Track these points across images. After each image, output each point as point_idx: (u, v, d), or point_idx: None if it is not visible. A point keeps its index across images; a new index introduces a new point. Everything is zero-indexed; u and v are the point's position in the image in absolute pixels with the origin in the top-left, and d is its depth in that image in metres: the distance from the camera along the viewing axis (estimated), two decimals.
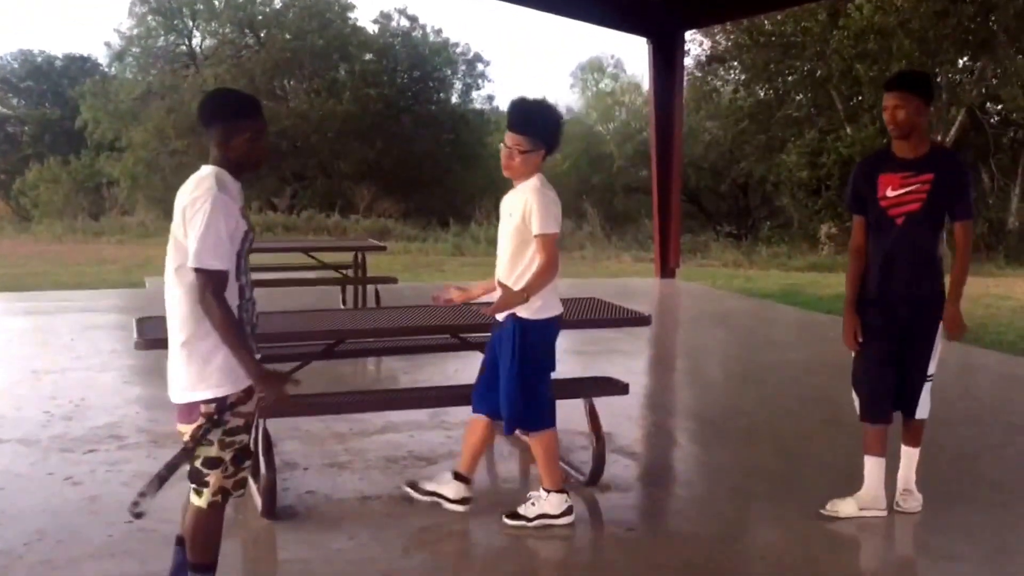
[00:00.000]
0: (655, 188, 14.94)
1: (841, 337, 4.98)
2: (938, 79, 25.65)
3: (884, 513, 4.90)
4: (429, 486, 4.94)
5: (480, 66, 39.50)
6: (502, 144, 4.61)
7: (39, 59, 44.06)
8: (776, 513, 5.16)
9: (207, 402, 3.42)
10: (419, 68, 37.39)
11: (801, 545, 4.72)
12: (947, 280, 4.78)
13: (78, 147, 36.31)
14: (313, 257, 11.76)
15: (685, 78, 19.71)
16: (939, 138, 24.43)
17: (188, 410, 3.47)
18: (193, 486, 3.54)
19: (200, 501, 3.53)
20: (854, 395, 4.99)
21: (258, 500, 4.98)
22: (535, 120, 4.64)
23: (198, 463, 3.49)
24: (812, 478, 5.77)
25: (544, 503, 4.73)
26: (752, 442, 6.60)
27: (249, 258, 3.56)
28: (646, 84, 14.91)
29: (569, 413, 5.73)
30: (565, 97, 62.92)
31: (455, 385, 6.57)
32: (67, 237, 25.53)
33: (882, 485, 4.92)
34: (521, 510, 4.76)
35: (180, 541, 3.72)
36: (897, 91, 4.70)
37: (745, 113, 29.21)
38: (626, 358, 9.14)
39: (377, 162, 33.45)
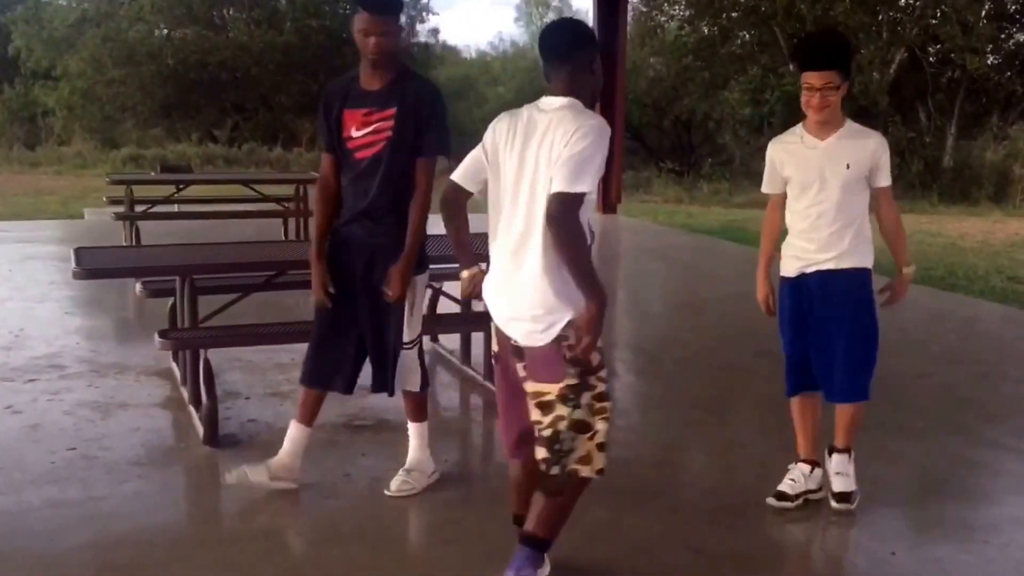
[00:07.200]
0: None
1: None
2: (879, 17, 25.84)
3: (295, 486, 4.37)
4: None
5: None
6: (806, 87, 4.01)
7: None
8: (708, 441, 5.33)
9: (564, 330, 3.09)
10: None
11: (731, 472, 4.89)
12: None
13: (11, 76, 35.36)
14: (254, 189, 11.75)
15: (629, 13, 19.67)
16: (877, 77, 24.59)
17: (547, 364, 3.16)
18: (555, 448, 3.20)
19: (559, 470, 3.22)
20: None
21: (200, 428, 5.04)
22: (844, 51, 4.14)
23: (561, 425, 3.17)
24: (743, 407, 5.96)
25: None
26: (687, 372, 6.76)
27: None
28: (591, 19, 14.83)
29: None
30: (510, 31, 62.40)
31: None
32: (2, 167, 25.05)
33: (297, 454, 4.38)
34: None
35: (520, 521, 3.43)
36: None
37: (689, 49, 29.22)
38: None
39: (320, 95, 32.85)
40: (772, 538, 4.15)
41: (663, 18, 31.37)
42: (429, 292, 6.33)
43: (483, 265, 3.42)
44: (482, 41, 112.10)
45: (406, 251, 4.08)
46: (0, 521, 4.05)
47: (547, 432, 3.20)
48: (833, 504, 4.32)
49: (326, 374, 4.30)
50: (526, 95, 35.48)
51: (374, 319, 4.21)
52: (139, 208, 11.12)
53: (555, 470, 3.21)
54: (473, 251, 3.48)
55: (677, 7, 30.76)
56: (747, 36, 28.98)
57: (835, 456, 4.39)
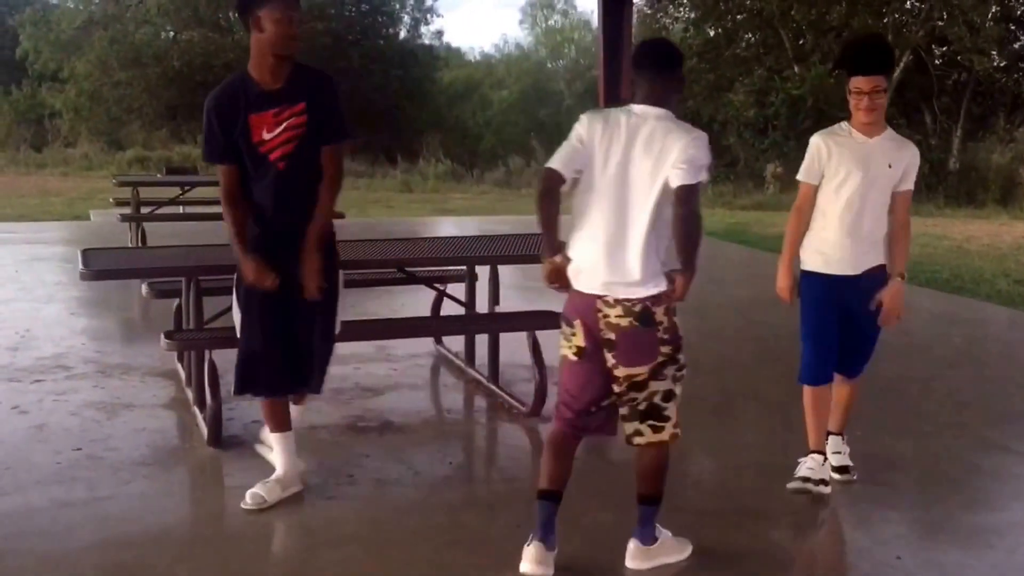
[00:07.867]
0: None
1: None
2: (884, 20, 25.82)
3: (300, 487, 4.39)
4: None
5: (429, 1, 39.08)
6: (855, 91, 4.29)
7: None
8: (711, 442, 5.33)
9: (654, 297, 3.64)
10: (367, 2, 36.83)
11: (735, 474, 4.89)
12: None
13: (19, 77, 35.45)
14: None
15: (635, 15, 19.65)
16: None
17: (643, 348, 3.65)
18: (649, 423, 3.69)
19: (663, 435, 3.72)
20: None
21: (204, 429, 5.05)
22: (889, 56, 4.48)
23: (656, 399, 3.69)
24: (749, 410, 5.95)
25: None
26: (692, 374, 6.72)
27: None
28: (595, 21, 14.83)
29: (513, 346, 5.85)
30: (514, 33, 62.49)
31: (401, 318, 6.67)
32: (9, 169, 25.07)
33: (293, 457, 4.41)
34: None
35: (549, 495, 3.72)
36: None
37: (694, 51, 29.19)
38: None
39: None
40: (775, 541, 4.15)
41: (668, 20, 31.34)
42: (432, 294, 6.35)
43: (567, 254, 3.64)
44: (486, 43, 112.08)
45: (317, 234, 4.08)
46: (6, 521, 4.06)
47: (643, 406, 3.68)
48: (836, 477, 4.61)
49: (284, 381, 4.33)
50: (530, 98, 35.35)
51: (318, 320, 4.23)
52: (145, 210, 11.15)
53: (656, 438, 3.71)
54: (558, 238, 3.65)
55: (682, 9, 30.76)
56: (752, 38, 28.96)
57: (831, 438, 4.70)
